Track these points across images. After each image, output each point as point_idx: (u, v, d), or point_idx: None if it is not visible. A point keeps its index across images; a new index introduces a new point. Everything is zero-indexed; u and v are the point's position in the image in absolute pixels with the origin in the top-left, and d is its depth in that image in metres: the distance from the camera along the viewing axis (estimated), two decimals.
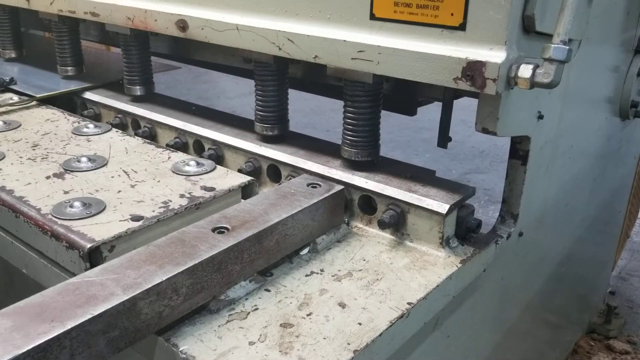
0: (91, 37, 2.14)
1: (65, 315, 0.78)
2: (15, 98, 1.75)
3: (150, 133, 1.64)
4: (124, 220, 1.07)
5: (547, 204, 1.52)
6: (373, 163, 1.31)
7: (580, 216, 1.95)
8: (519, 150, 1.28)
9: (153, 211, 1.11)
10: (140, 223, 1.06)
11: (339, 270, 1.08)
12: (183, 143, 1.57)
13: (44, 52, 2.26)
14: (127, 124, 1.73)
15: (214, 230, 1.01)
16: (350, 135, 1.28)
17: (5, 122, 1.56)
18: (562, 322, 2.33)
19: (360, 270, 1.08)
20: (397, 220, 1.17)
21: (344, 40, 1.16)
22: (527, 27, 1.07)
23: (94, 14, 1.68)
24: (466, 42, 1.03)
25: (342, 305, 0.98)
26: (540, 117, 1.27)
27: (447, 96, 1.25)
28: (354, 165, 1.30)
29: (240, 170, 1.38)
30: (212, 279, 0.94)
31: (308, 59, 1.23)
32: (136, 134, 1.63)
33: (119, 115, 1.73)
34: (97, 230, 1.03)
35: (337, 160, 1.34)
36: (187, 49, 1.80)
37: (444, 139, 1.30)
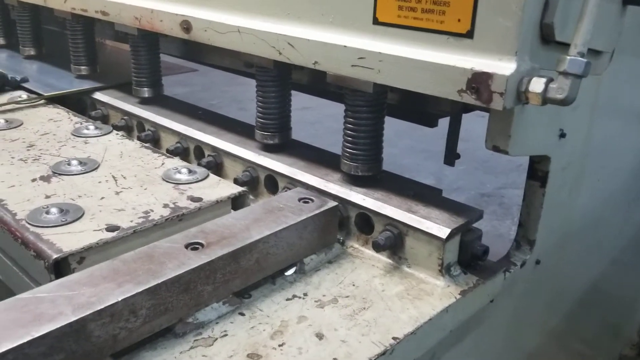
0: (107, 36, 2.11)
1: (4, 335, 0.72)
2: (24, 96, 1.73)
3: (153, 137, 1.59)
4: (99, 230, 1.01)
5: (570, 229, 1.39)
6: (375, 178, 1.21)
7: (612, 242, 1.80)
8: (537, 171, 1.17)
9: (131, 221, 1.04)
10: (114, 234, 1.00)
11: (324, 295, 0.99)
12: (184, 148, 1.51)
13: (64, 51, 2.25)
14: (133, 126, 1.68)
15: (187, 246, 0.93)
16: (350, 147, 1.19)
17: (7, 121, 1.53)
18: (588, 353, 2.16)
19: (347, 297, 0.99)
20: (393, 243, 1.07)
21: (344, 46, 1.07)
22: (546, 36, 0.95)
23: (104, 12, 1.64)
24: (473, 52, 0.93)
25: (320, 336, 0.89)
26: (563, 135, 1.15)
27: (455, 110, 1.14)
28: (353, 180, 1.21)
29: (236, 180, 1.31)
30: (178, 300, 0.87)
31: (307, 65, 1.15)
32: (140, 138, 1.58)
33: (125, 117, 1.69)
34: (68, 239, 0.97)
35: (337, 174, 1.25)
36: (197, 51, 1.75)
37: (450, 156, 1.19)
